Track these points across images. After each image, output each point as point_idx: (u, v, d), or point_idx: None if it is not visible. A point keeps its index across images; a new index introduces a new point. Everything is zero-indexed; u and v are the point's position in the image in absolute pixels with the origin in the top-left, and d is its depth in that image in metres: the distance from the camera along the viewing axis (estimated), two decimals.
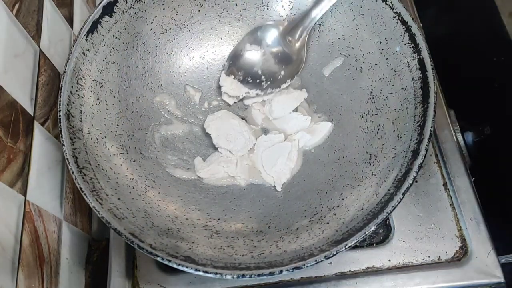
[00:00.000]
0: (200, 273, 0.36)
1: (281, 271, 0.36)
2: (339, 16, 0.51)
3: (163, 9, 0.51)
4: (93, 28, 0.46)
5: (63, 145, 0.41)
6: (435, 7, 0.69)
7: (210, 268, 0.37)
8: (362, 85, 0.50)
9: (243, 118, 0.53)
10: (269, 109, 0.52)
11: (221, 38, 0.55)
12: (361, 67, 0.50)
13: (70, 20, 0.56)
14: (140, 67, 0.51)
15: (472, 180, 0.51)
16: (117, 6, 0.48)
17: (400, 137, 0.43)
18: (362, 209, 0.41)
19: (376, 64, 0.49)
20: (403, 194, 0.38)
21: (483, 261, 0.46)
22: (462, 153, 0.53)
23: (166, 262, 0.37)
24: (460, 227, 0.48)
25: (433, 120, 0.41)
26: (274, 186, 0.48)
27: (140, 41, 0.51)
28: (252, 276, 0.36)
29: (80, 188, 0.40)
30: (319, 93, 0.53)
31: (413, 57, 0.45)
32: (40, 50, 0.47)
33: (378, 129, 0.47)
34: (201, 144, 0.52)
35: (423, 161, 0.39)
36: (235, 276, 0.36)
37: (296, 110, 0.52)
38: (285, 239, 0.42)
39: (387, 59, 0.48)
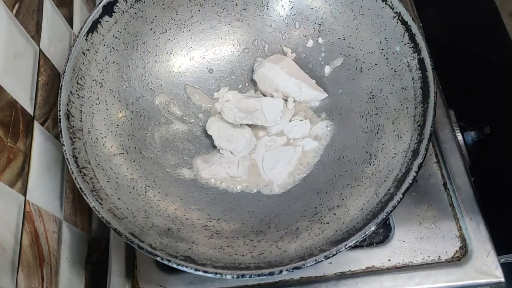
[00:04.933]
0: (200, 273, 0.36)
1: (281, 271, 0.36)
2: (339, 16, 0.51)
3: (163, 9, 0.51)
4: (93, 28, 0.46)
5: (63, 145, 0.41)
6: (435, 7, 0.69)
7: (210, 268, 0.37)
8: (362, 85, 0.50)
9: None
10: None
11: (221, 38, 0.55)
12: (361, 67, 0.50)
13: (70, 20, 0.56)
14: (140, 67, 0.51)
15: (472, 180, 0.51)
16: (117, 6, 0.48)
17: (400, 137, 0.43)
18: (362, 209, 0.41)
19: (376, 64, 0.49)
20: (403, 194, 0.38)
21: (483, 261, 0.46)
22: (462, 153, 0.53)
23: (166, 262, 0.37)
24: (460, 227, 0.48)
25: (433, 120, 0.41)
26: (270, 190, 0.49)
27: (140, 41, 0.51)
28: (252, 276, 0.36)
29: (80, 188, 0.40)
30: None
31: (413, 57, 0.45)
32: (40, 50, 0.47)
33: (378, 129, 0.47)
34: (201, 144, 0.52)
35: (423, 161, 0.39)
36: (235, 276, 0.36)
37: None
38: (285, 239, 0.42)
39: (387, 59, 0.48)
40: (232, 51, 0.55)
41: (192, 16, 0.53)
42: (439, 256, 0.47)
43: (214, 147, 0.51)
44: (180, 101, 0.53)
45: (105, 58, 0.48)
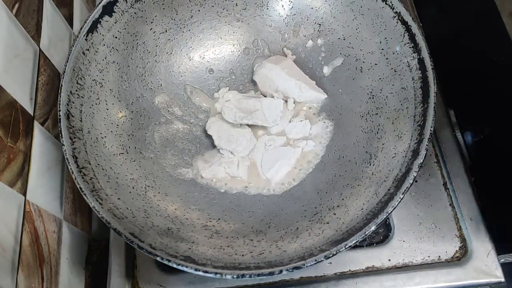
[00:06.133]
0: (200, 273, 0.36)
1: (281, 271, 0.36)
2: (339, 16, 0.51)
3: (163, 9, 0.51)
4: (93, 27, 0.46)
5: (63, 145, 0.41)
6: (435, 7, 0.69)
7: (210, 268, 0.37)
8: (362, 84, 0.50)
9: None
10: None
11: (221, 38, 0.55)
12: (361, 67, 0.50)
13: (70, 20, 0.56)
14: (140, 67, 0.51)
15: (472, 180, 0.51)
16: (117, 5, 0.48)
17: (400, 137, 0.43)
18: (362, 209, 0.41)
19: (376, 64, 0.49)
20: (403, 193, 0.38)
21: (483, 261, 0.46)
22: (462, 153, 0.53)
23: (166, 262, 0.37)
24: (460, 226, 0.48)
25: (433, 120, 0.41)
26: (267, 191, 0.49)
27: (140, 41, 0.51)
28: (252, 276, 0.36)
29: (80, 188, 0.40)
30: None
31: (413, 57, 0.45)
32: (40, 50, 0.47)
33: (378, 129, 0.47)
34: (201, 144, 0.52)
35: (423, 161, 0.39)
36: (235, 276, 0.36)
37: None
38: (285, 239, 0.42)
39: (387, 59, 0.48)
40: (232, 51, 0.55)
41: (192, 16, 0.53)
42: (439, 256, 0.47)
43: (214, 147, 0.51)
44: (180, 101, 0.53)
45: (105, 58, 0.48)
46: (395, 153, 0.43)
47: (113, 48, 0.48)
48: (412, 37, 0.45)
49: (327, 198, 0.45)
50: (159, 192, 0.46)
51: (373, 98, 0.48)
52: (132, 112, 0.50)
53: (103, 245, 0.53)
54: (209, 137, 0.51)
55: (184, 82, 0.54)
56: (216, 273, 0.36)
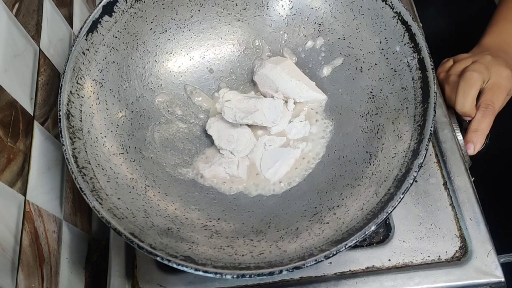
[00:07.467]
0: (200, 273, 0.36)
1: (281, 271, 0.36)
2: (339, 16, 0.51)
3: (163, 8, 0.51)
4: (93, 27, 0.46)
5: (63, 144, 0.41)
6: (435, 7, 0.69)
7: (210, 268, 0.37)
8: (362, 84, 0.50)
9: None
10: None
11: (221, 38, 0.55)
12: (361, 67, 0.50)
13: (70, 20, 0.56)
14: (140, 67, 0.51)
15: (472, 180, 0.51)
16: (117, 5, 0.48)
17: (400, 137, 0.43)
18: (362, 209, 0.41)
19: (376, 64, 0.49)
20: (403, 193, 0.38)
21: (483, 261, 0.46)
22: (462, 153, 0.53)
23: (166, 262, 0.37)
24: (460, 226, 0.48)
25: (433, 120, 0.41)
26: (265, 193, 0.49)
27: (140, 41, 0.51)
28: (252, 276, 0.36)
29: (80, 188, 0.40)
30: None
31: (413, 56, 0.45)
32: (40, 49, 0.47)
33: (378, 129, 0.47)
34: (201, 144, 0.52)
35: (423, 161, 0.39)
36: (235, 276, 0.36)
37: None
38: (285, 239, 0.42)
39: (387, 58, 0.48)
40: (232, 51, 0.55)
41: (192, 16, 0.53)
42: (439, 256, 0.47)
43: (214, 147, 0.51)
44: (180, 101, 0.53)
45: (105, 58, 0.48)
46: (395, 153, 0.43)
47: (113, 48, 0.48)
48: (412, 37, 0.45)
49: (327, 198, 0.45)
50: (159, 192, 0.46)
51: (373, 98, 0.48)
52: (132, 112, 0.50)
53: (103, 245, 0.53)
54: (209, 137, 0.51)
55: (184, 82, 0.54)
56: (216, 273, 0.36)
